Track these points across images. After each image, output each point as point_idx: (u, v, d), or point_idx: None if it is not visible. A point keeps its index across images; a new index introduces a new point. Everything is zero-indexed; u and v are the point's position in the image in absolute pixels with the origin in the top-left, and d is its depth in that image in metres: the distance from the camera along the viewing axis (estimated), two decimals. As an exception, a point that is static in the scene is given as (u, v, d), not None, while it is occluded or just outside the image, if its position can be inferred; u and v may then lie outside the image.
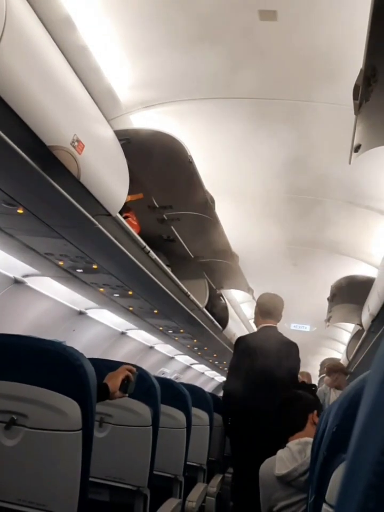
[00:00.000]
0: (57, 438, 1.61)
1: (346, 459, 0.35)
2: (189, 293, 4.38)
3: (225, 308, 6.18)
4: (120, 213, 2.74)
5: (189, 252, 4.42)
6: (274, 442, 2.74)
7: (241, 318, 7.80)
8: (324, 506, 0.84)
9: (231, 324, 6.28)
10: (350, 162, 2.48)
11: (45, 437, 1.62)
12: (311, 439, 2.30)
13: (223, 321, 6.07)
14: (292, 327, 7.34)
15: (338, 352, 9.14)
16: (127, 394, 2.06)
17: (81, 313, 4.83)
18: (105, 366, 2.29)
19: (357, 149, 2.44)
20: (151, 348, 7.43)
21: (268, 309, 3.73)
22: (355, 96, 1.98)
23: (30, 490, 1.61)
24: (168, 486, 2.85)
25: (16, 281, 3.72)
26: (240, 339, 3.91)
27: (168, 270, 3.80)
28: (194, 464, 3.43)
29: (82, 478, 1.63)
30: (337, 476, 0.84)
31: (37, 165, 2.06)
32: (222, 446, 4.26)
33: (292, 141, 3.26)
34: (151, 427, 2.32)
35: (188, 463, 3.02)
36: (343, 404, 0.91)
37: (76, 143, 2.12)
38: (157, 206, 3.53)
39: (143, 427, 2.31)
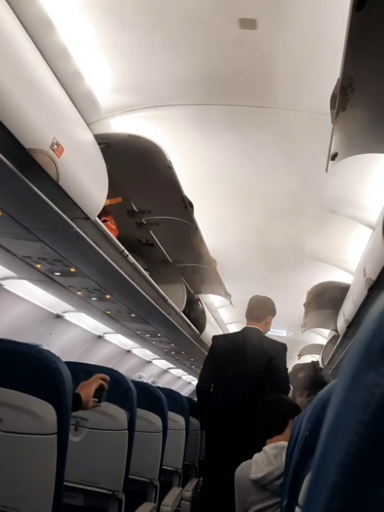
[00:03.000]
0: (32, 442, 1.60)
1: (314, 461, 0.36)
2: (166, 297, 4.39)
3: (203, 313, 6.20)
4: (99, 216, 2.75)
5: (167, 256, 4.42)
6: (249, 444, 2.76)
7: (219, 323, 7.82)
8: (297, 509, 0.86)
9: (208, 329, 6.29)
10: (326, 171, 2.52)
11: (19, 440, 1.61)
12: (286, 443, 2.32)
13: (201, 325, 6.08)
14: (269, 331, 7.38)
15: (315, 357, 9.21)
16: (100, 404, 2.05)
17: (58, 316, 4.80)
18: (81, 370, 2.29)
19: (333, 157, 2.48)
20: (128, 351, 7.41)
21: (251, 310, 3.74)
22: (332, 105, 2.01)
23: (4, 494, 1.60)
24: (143, 490, 2.85)
25: (-7, 284, 3.70)
26: (217, 337, 3.92)
27: (146, 274, 3.81)
28: (170, 468, 3.44)
29: (57, 482, 1.62)
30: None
31: (15, 167, 2.06)
32: (197, 450, 4.26)
33: (271, 147, 3.30)
34: (127, 431, 2.33)
35: (163, 467, 3.02)
36: (316, 408, 0.92)
37: (55, 147, 2.12)
38: (136, 210, 3.54)
39: (119, 431, 2.31)
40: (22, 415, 1.62)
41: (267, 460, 2.42)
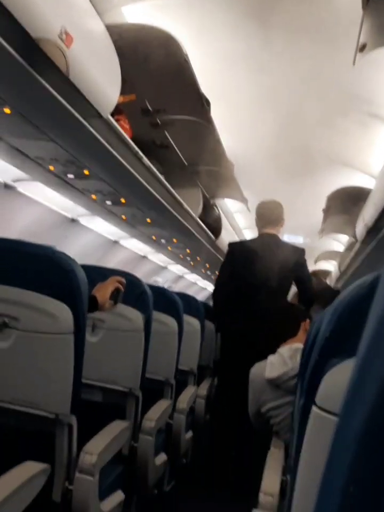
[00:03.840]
0: (49, 341, 1.61)
1: (355, 365, 0.31)
2: (182, 201, 4.32)
3: (219, 218, 6.14)
4: (112, 115, 2.62)
5: (183, 159, 4.30)
6: (263, 347, 2.80)
7: (235, 228, 7.79)
8: (314, 408, 0.85)
9: (224, 234, 6.27)
10: (354, 64, 2.35)
11: (37, 339, 1.62)
12: (301, 345, 2.35)
13: (217, 231, 6.05)
14: (285, 238, 7.34)
15: (331, 264, 9.23)
16: (116, 306, 2.05)
17: (73, 220, 4.77)
18: (97, 273, 2.28)
19: (362, 48, 2.31)
20: (144, 257, 7.45)
21: (265, 216, 3.66)
22: (362, -9, 1.84)
23: (24, 390, 1.64)
24: (159, 389, 2.92)
25: (6, 186, 3.64)
26: (234, 244, 3.87)
27: (162, 177, 3.72)
28: (185, 368, 3.52)
29: (75, 379, 1.64)
30: (328, 380, 0.84)
31: (23, 59, 1.93)
32: (212, 352, 4.36)
33: (295, 41, 3.09)
34: (143, 332, 2.34)
35: (179, 367, 3.09)
36: (338, 310, 0.89)
37: (64, 36, 1.98)
38: (150, 109, 3.39)
39: (135, 332, 2.32)
40: (38, 315, 1.62)
41: (282, 360, 2.47)
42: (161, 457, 2.69)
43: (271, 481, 1.70)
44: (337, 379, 0.84)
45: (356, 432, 0.27)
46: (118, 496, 2.04)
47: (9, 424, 1.69)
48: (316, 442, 0.84)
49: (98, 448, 1.77)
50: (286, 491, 1.75)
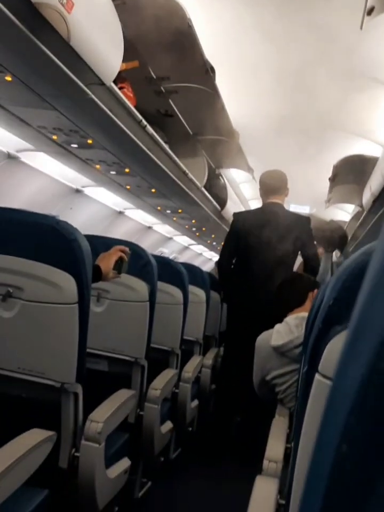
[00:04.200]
0: (54, 311, 1.61)
1: (351, 322, 0.31)
2: (187, 171, 4.28)
3: (224, 188, 6.10)
4: (115, 82, 2.58)
5: (188, 128, 4.26)
6: (270, 316, 2.80)
7: (241, 199, 7.74)
8: (316, 376, 0.85)
9: (230, 205, 6.23)
10: (361, 27, 2.30)
11: (41, 309, 1.62)
12: (307, 314, 2.35)
13: (222, 201, 6.01)
14: (291, 208, 7.30)
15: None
16: (120, 276, 2.04)
17: (78, 191, 4.75)
18: (100, 242, 2.27)
19: (370, 11, 2.25)
20: (149, 228, 7.44)
21: (269, 185, 3.62)
22: None
23: (29, 360, 1.64)
24: (165, 358, 2.94)
25: (10, 157, 3.61)
26: (239, 213, 3.84)
27: (166, 147, 3.68)
28: (191, 338, 3.53)
29: (80, 349, 1.65)
30: (331, 348, 0.84)
31: (23, 25, 1.89)
32: (217, 323, 4.37)
33: (300, 7, 3.02)
34: (148, 302, 2.34)
35: (184, 337, 3.10)
36: (342, 277, 0.88)
37: (65, 1, 1.93)
38: (154, 76, 3.33)
39: (140, 302, 2.32)
40: (42, 285, 1.61)
41: (288, 329, 2.48)
42: (167, 426, 2.72)
43: (275, 448, 1.71)
44: (340, 347, 0.83)
45: (349, 393, 0.26)
46: (124, 463, 2.06)
47: (16, 393, 1.71)
48: (318, 409, 0.84)
49: (103, 416, 1.79)
50: (290, 458, 1.76)
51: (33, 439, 1.34)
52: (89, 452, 1.71)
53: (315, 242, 3.70)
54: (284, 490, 1.44)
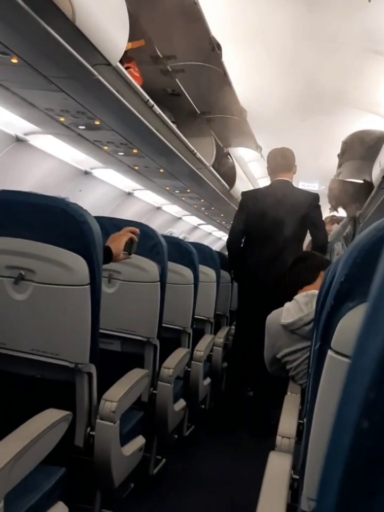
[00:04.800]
0: (66, 292, 1.63)
1: (368, 303, 0.31)
2: (195, 151, 4.26)
3: (233, 167, 6.07)
4: (121, 62, 2.55)
5: (195, 107, 4.22)
6: (280, 295, 2.81)
7: (249, 177, 7.70)
8: (329, 352, 0.86)
9: (238, 183, 6.20)
10: (369, 0, 2.26)
11: (53, 291, 1.63)
12: (317, 292, 2.35)
13: (231, 180, 5.98)
14: (300, 185, 7.26)
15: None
16: (130, 256, 2.05)
17: (86, 173, 4.75)
18: (110, 224, 2.28)
19: (379, -17, 2.21)
20: (159, 208, 7.42)
21: (277, 163, 3.60)
22: None
23: (43, 341, 1.67)
24: (177, 338, 2.97)
25: (18, 140, 3.61)
26: (247, 192, 3.84)
27: (174, 126, 3.65)
28: (202, 317, 3.56)
29: (93, 330, 1.67)
30: (343, 324, 0.84)
31: (28, 6, 1.87)
32: (228, 301, 4.39)
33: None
34: (158, 283, 2.36)
35: (195, 316, 3.12)
36: (353, 253, 0.87)
37: (68, -20, 1.91)
38: (160, 55, 3.30)
39: (151, 283, 2.34)
40: (54, 267, 1.63)
41: (298, 307, 2.49)
42: (180, 404, 2.75)
43: (288, 424, 1.73)
44: (353, 323, 0.84)
45: (368, 368, 0.27)
46: (138, 441, 2.10)
47: (31, 373, 1.74)
48: (332, 385, 0.84)
49: (117, 395, 1.81)
50: (302, 434, 1.78)
51: (49, 419, 1.37)
52: (104, 430, 1.74)
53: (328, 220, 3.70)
54: (297, 466, 1.46)
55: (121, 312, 2.35)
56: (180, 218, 8.62)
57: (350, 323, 0.83)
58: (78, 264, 1.62)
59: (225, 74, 3.48)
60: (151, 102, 3.02)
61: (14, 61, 2.32)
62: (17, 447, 1.18)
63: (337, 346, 0.84)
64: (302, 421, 1.90)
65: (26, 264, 1.64)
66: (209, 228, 10.61)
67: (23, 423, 1.32)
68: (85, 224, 1.63)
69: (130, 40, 2.53)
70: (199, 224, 9.85)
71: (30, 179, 4.14)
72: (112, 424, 1.74)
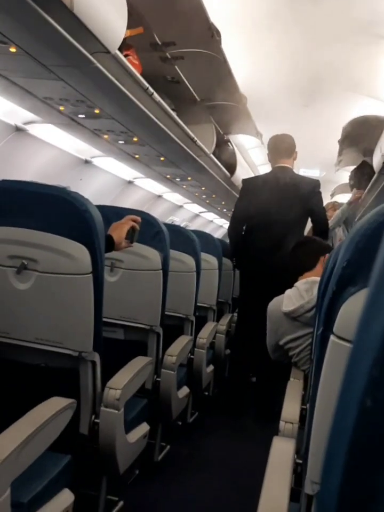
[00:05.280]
0: (68, 281, 1.63)
1: (370, 284, 0.31)
2: (195, 138, 4.25)
3: (233, 154, 6.05)
4: (120, 50, 2.54)
5: (195, 95, 4.20)
6: (281, 282, 2.81)
7: (250, 164, 7.68)
8: (332, 337, 0.86)
9: (239, 171, 6.19)
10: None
11: (56, 280, 1.64)
12: (318, 278, 2.36)
13: (231, 167, 5.97)
14: (300, 172, 7.24)
15: (348, 196, 9.10)
16: (132, 245, 2.05)
17: (87, 162, 4.74)
18: (112, 212, 2.28)
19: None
20: (160, 196, 7.42)
21: (278, 149, 3.59)
22: None
23: (47, 330, 1.67)
24: (180, 325, 2.98)
25: (18, 129, 3.60)
26: (248, 179, 3.83)
27: (174, 114, 3.64)
28: (205, 305, 3.56)
29: (96, 318, 1.67)
30: (345, 310, 0.85)
31: (25, -5, 1.87)
32: (230, 289, 4.40)
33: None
34: (161, 271, 2.36)
35: (198, 304, 3.13)
36: (355, 238, 0.87)
37: (66, -33, 1.90)
38: (159, 43, 3.28)
39: (153, 271, 2.34)
40: (56, 256, 1.63)
41: (298, 294, 2.49)
42: (184, 391, 2.76)
43: (291, 410, 1.74)
44: (355, 308, 0.84)
45: (371, 347, 0.27)
46: (143, 428, 2.11)
47: (35, 362, 1.74)
48: (334, 370, 0.85)
49: (121, 383, 1.82)
50: (305, 419, 1.80)
51: (54, 407, 1.38)
52: (108, 418, 1.75)
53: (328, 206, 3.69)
54: (301, 450, 1.47)
55: (124, 301, 2.35)
56: (181, 206, 8.61)
57: (352, 308, 0.84)
58: (80, 253, 1.62)
59: (224, 61, 3.46)
60: (151, 89, 3.01)
61: (13, 50, 2.32)
62: (24, 434, 1.19)
63: (340, 332, 0.85)
64: (305, 407, 1.91)
65: (29, 254, 1.64)
66: (210, 216, 10.60)
67: (27, 412, 1.33)
68: (87, 212, 1.62)
69: (128, 27, 2.52)
70: (200, 212, 9.85)
71: (30, 168, 4.13)
72: (116, 411, 1.75)
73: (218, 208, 9.00)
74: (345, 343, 0.84)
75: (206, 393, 3.56)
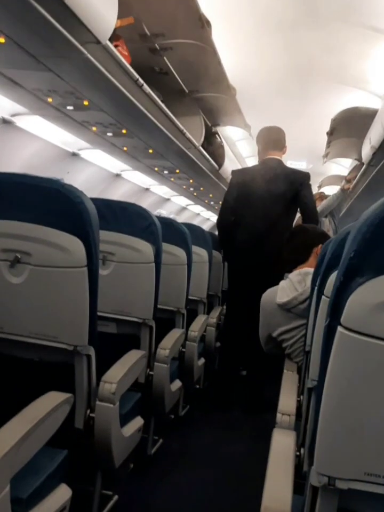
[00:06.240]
0: (63, 275, 1.61)
1: None
2: (184, 130, 4.22)
3: (222, 146, 6.04)
4: (110, 41, 2.51)
5: (183, 86, 4.18)
6: (272, 273, 2.81)
7: (238, 157, 7.67)
8: (339, 328, 0.86)
9: (227, 163, 6.18)
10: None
11: (50, 273, 1.61)
12: (311, 270, 2.36)
13: (219, 160, 5.96)
14: (288, 163, 7.23)
15: (335, 189, 9.14)
16: None
17: (74, 154, 4.70)
18: (103, 205, 2.26)
19: None
20: (147, 189, 7.38)
21: (268, 141, 3.58)
22: None
23: (41, 324, 1.65)
24: (171, 318, 2.96)
25: (5, 121, 3.55)
26: (237, 171, 3.82)
27: (163, 106, 3.61)
28: (195, 298, 3.56)
29: (91, 312, 1.65)
30: (353, 300, 0.84)
31: (14, -17, 1.83)
32: (220, 281, 4.39)
33: None
34: (153, 264, 2.34)
35: (189, 297, 3.11)
36: (362, 229, 0.87)
37: None
38: (148, 33, 3.25)
39: (145, 264, 2.32)
40: (50, 249, 1.61)
41: (292, 286, 2.49)
42: (176, 384, 2.76)
43: (287, 401, 1.74)
44: (363, 299, 0.83)
45: None
46: (137, 422, 2.10)
47: (29, 357, 1.72)
48: (342, 361, 0.84)
49: (116, 377, 1.81)
50: (301, 411, 1.80)
51: (52, 402, 1.36)
52: (104, 412, 1.74)
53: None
54: (298, 441, 1.47)
55: (116, 294, 2.33)
56: (168, 199, 8.58)
57: (360, 299, 0.83)
58: (75, 246, 1.60)
59: (214, 52, 3.44)
60: (141, 81, 2.98)
61: (1, 40, 2.27)
62: (22, 430, 1.17)
63: (347, 323, 0.84)
64: (299, 399, 1.92)
65: (22, 247, 1.61)
66: (197, 209, 10.58)
67: (22, 407, 1.31)
68: (81, 204, 1.60)
69: (119, 17, 2.49)
70: (187, 205, 9.83)
71: (17, 161, 4.08)
72: (112, 405, 1.74)
73: (206, 201, 8.98)
74: (353, 334, 0.83)
75: (197, 386, 3.56)
